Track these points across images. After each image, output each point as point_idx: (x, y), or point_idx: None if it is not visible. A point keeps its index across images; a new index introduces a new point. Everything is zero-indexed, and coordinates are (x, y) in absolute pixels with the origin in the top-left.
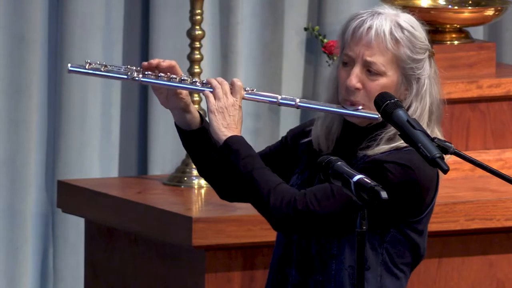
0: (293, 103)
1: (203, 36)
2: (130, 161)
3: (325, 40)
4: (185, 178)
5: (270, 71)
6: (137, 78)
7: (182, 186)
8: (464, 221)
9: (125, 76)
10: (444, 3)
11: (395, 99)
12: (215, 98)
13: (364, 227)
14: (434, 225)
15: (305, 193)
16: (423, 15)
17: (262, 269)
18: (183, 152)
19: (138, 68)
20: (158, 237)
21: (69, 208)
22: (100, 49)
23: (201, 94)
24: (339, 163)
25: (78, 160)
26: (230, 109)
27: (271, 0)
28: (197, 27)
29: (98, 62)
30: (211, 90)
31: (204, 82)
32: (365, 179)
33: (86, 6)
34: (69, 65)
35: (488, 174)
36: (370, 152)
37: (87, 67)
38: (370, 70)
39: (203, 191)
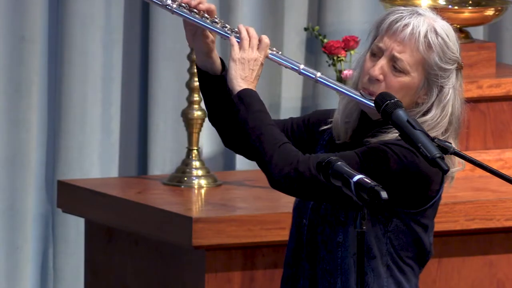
0: (313, 76)
1: None
2: (130, 161)
3: (325, 40)
4: (185, 178)
5: (270, 71)
6: (169, 7)
7: (182, 186)
8: (464, 221)
9: (159, 2)
10: (444, 3)
11: (395, 99)
12: (240, 48)
13: (364, 227)
14: (434, 225)
15: (309, 157)
16: None
17: (262, 269)
18: (183, 152)
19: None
20: (158, 237)
21: (69, 208)
22: (100, 49)
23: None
24: (339, 163)
25: (78, 160)
26: (252, 62)
27: (271, 0)
28: None
29: None
30: (238, 40)
31: (234, 29)
32: (365, 179)
33: (86, 6)
34: None
35: (488, 174)
36: (375, 140)
37: None
38: (395, 66)
39: (203, 191)
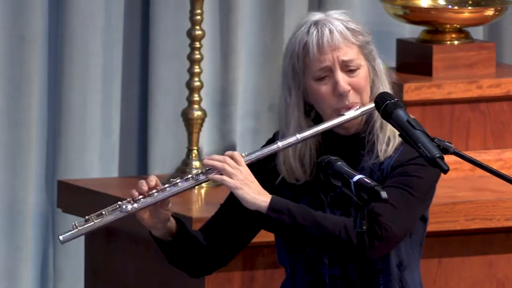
0: (296, 140)
1: (203, 36)
2: (130, 161)
3: None
4: None
5: (270, 71)
6: (131, 208)
7: None
8: (464, 221)
9: (121, 212)
10: (444, 3)
11: (395, 99)
12: (229, 176)
13: (364, 227)
14: (434, 225)
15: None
16: (423, 15)
17: (262, 269)
18: (183, 152)
19: (128, 199)
20: None
21: (69, 208)
22: (100, 49)
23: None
24: (339, 163)
25: (78, 160)
26: (248, 177)
27: (271, 0)
28: (197, 27)
29: (85, 218)
30: (216, 171)
31: (204, 171)
32: (365, 179)
33: (86, 6)
34: (60, 237)
35: (488, 174)
36: (377, 159)
37: (78, 227)
38: (350, 69)
39: (203, 191)
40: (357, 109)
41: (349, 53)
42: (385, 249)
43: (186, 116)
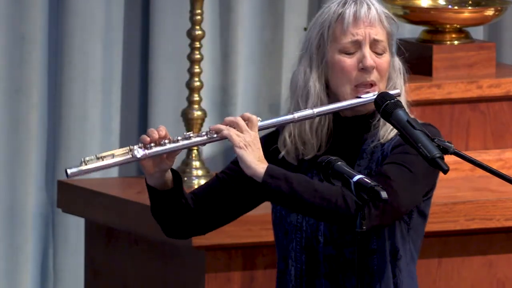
0: (312, 114)
1: (203, 36)
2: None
3: None
4: (185, 178)
5: (270, 71)
6: (142, 155)
7: None
8: (464, 221)
9: (130, 157)
10: (444, 3)
11: (395, 99)
12: (238, 134)
13: (364, 227)
14: (434, 225)
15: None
16: (423, 15)
17: (262, 269)
18: (183, 152)
19: (140, 144)
20: (158, 237)
21: (69, 208)
22: (100, 49)
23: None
24: (339, 163)
25: (78, 160)
26: (255, 142)
27: (271, 0)
28: (197, 27)
29: (94, 156)
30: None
31: (213, 130)
32: (365, 179)
33: (86, 6)
34: (68, 171)
35: (488, 174)
36: (382, 140)
37: (86, 163)
38: (376, 51)
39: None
40: (374, 95)
41: (380, 34)
42: (380, 218)
43: (186, 116)
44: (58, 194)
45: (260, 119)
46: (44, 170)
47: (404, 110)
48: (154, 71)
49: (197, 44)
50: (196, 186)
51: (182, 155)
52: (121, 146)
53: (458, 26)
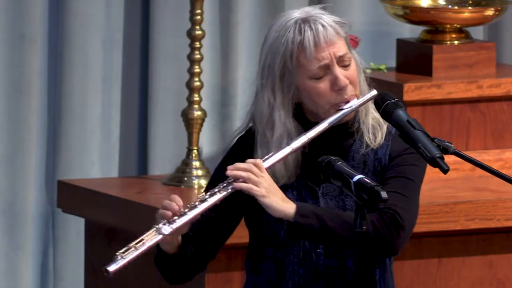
0: (306, 139)
1: (203, 36)
2: (130, 161)
3: None
4: (185, 178)
5: None
6: (171, 231)
7: (182, 186)
8: (464, 221)
9: (161, 237)
10: (444, 3)
11: (395, 99)
12: (255, 185)
13: (364, 227)
14: (434, 225)
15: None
16: (423, 15)
17: None
18: (183, 152)
19: (164, 222)
20: None
21: (69, 208)
22: (100, 49)
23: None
24: (339, 163)
25: (78, 160)
26: (272, 185)
27: (271, 0)
28: (197, 27)
29: (126, 247)
30: (241, 180)
31: (228, 182)
32: (365, 179)
33: (86, 6)
34: (108, 269)
35: (488, 174)
36: (369, 148)
37: (123, 257)
38: (344, 64)
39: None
40: (354, 102)
41: (342, 48)
42: (407, 237)
43: (186, 116)
44: (58, 194)
45: (261, 160)
46: (44, 170)
47: (404, 110)
48: (154, 71)
49: (197, 44)
50: (196, 186)
51: (182, 155)
52: (121, 146)
53: (458, 26)
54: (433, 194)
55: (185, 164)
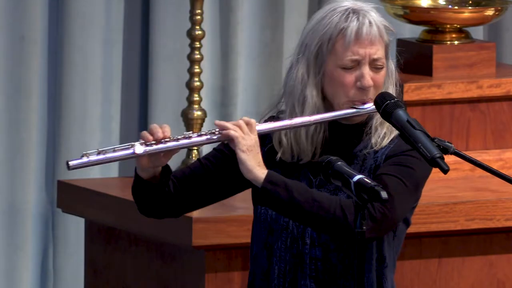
0: (308, 120)
1: (203, 36)
2: (130, 161)
3: None
4: None
5: (270, 71)
6: (143, 152)
7: None
8: (464, 221)
9: (131, 152)
10: (444, 3)
11: (395, 99)
12: (243, 137)
13: (364, 227)
14: (434, 225)
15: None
16: (423, 15)
17: None
18: (183, 152)
19: (141, 141)
20: (158, 237)
21: (69, 208)
22: (100, 49)
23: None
24: (339, 163)
25: None
26: (256, 147)
27: (271, 0)
28: (197, 27)
29: (96, 150)
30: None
31: (215, 130)
32: (365, 179)
33: (86, 6)
34: (69, 163)
35: (488, 174)
36: (372, 149)
37: (88, 157)
38: (376, 67)
39: None
40: (369, 105)
41: (379, 51)
42: (376, 232)
43: (186, 116)
44: (58, 194)
45: (258, 123)
46: (44, 170)
47: (404, 110)
48: (154, 71)
49: (197, 44)
50: None
51: (182, 155)
52: None
53: (458, 26)
54: (433, 194)
55: (185, 164)
